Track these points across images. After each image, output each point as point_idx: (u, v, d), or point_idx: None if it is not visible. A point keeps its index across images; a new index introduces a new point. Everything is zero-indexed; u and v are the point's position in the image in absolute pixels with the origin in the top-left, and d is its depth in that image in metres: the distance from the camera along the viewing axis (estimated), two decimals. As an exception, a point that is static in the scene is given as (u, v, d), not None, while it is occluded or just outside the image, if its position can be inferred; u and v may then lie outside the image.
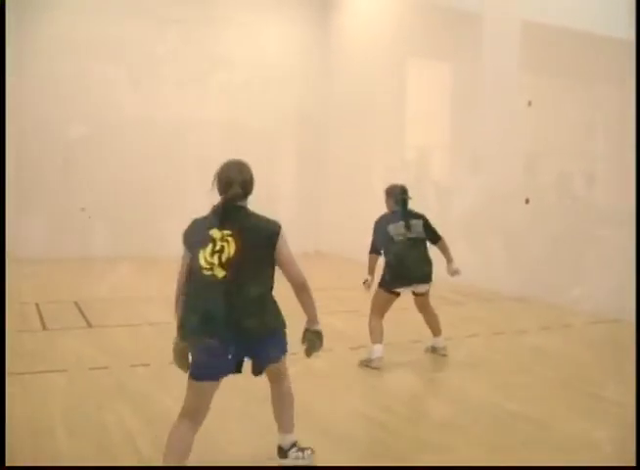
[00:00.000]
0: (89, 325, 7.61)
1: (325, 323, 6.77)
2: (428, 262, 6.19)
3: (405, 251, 6.04)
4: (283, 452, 3.99)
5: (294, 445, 3.99)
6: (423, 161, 12.67)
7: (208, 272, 3.49)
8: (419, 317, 6.66)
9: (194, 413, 3.59)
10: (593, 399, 5.30)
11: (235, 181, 3.67)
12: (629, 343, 7.07)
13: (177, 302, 3.66)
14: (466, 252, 10.14)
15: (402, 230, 6.08)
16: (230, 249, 3.50)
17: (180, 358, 3.65)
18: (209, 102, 14.10)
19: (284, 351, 3.85)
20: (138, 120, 13.56)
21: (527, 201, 9.47)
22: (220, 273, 3.48)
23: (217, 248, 3.51)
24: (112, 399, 5.06)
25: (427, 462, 4.05)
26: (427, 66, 12.62)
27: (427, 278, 6.17)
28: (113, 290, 9.72)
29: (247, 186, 3.74)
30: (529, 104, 9.46)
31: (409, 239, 6.08)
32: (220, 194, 3.69)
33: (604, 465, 4.04)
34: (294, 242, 12.48)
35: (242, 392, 5.36)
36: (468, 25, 10.99)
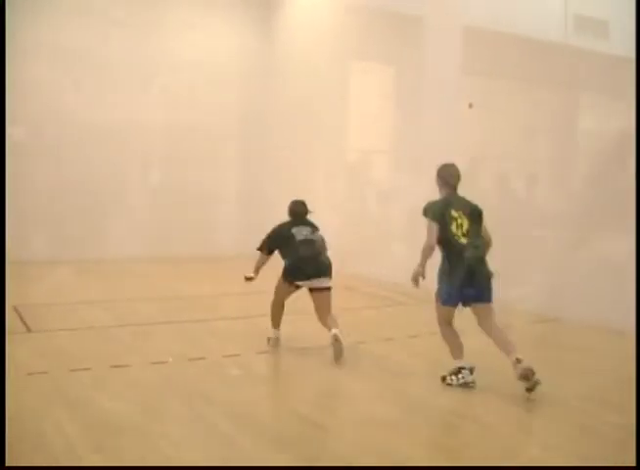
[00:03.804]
0: (28, 330, 7.47)
1: (267, 326, 6.79)
2: None
3: None
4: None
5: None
6: (364, 163, 12.73)
7: None
8: (360, 317, 6.77)
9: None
10: (535, 397, 5.38)
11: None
12: (569, 341, 7.27)
13: None
14: (406, 254, 10.22)
15: None
16: None
17: None
18: (152, 104, 13.96)
19: None
20: (82, 123, 13.32)
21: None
22: None
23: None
24: (51, 405, 4.96)
25: (367, 463, 4.07)
26: (369, 68, 12.70)
27: None
28: (52, 294, 9.56)
29: None
30: (470, 106, 9.56)
31: None
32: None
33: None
34: (238, 244, 12.38)
35: (182, 392, 5.35)
36: (410, 29, 11.10)
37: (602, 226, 8.05)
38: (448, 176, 5.68)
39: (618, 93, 7.96)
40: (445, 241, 5.42)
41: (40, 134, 13.18)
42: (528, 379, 5.12)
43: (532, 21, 8.82)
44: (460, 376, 5.49)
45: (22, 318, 7.91)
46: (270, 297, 6.57)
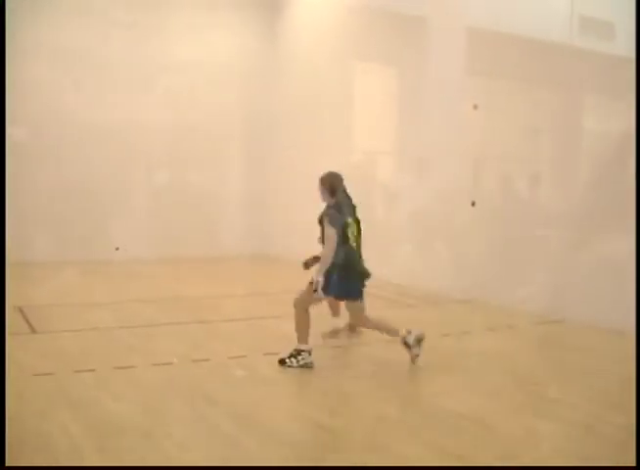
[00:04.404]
0: (33, 331, 7.48)
1: (272, 327, 6.81)
2: None
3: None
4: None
5: None
6: (369, 164, 12.73)
7: None
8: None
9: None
10: (538, 398, 5.39)
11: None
12: (571, 341, 7.28)
13: None
14: (412, 254, 10.26)
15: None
16: None
17: None
18: (154, 104, 13.96)
19: None
20: (82, 123, 13.32)
21: (473, 203, 9.58)
22: None
23: None
24: (54, 405, 4.97)
25: (368, 463, 4.08)
26: (373, 69, 12.70)
27: None
28: (56, 295, 9.57)
29: None
30: (475, 107, 9.58)
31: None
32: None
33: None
34: (241, 244, 12.40)
35: (185, 393, 5.36)
36: (413, 29, 11.10)
37: (602, 226, 8.06)
38: (337, 184, 6.14)
39: (620, 93, 7.96)
40: (342, 244, 5.90)
41: (40, 134, 13.18)
42: None
43: (535, 21, 8.82)
44: (300, 357, 5.98)
45: (26, 319, 7.93)
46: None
